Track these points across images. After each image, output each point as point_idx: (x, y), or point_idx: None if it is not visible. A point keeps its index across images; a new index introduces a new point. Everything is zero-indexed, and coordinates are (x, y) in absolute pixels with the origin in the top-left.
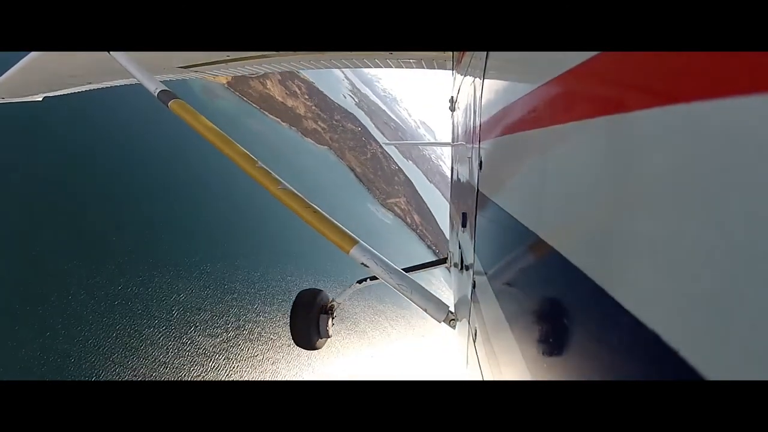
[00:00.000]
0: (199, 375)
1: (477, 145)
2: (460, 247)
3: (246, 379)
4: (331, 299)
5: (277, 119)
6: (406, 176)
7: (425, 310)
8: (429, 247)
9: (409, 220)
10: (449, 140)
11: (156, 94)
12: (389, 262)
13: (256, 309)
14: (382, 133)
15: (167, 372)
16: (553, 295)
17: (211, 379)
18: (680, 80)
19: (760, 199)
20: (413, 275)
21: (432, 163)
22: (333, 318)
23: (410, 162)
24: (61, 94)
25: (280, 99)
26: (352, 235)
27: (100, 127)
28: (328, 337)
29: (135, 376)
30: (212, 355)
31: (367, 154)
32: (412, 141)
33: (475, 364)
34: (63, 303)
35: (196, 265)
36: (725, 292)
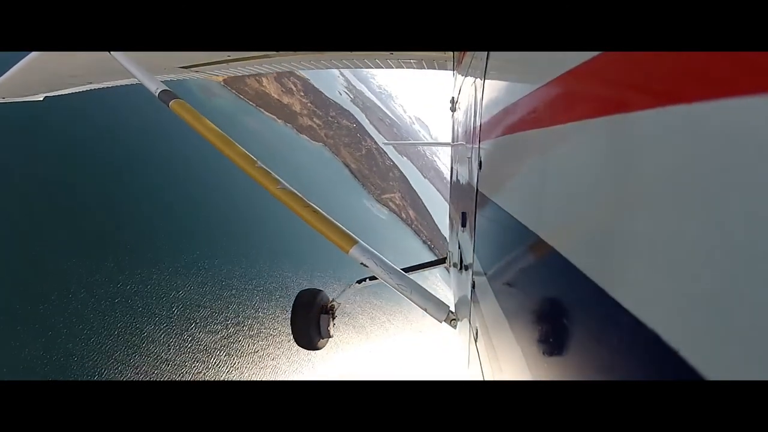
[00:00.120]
0: (201, 371)
1: (477, 146)
2: (459, 247)
3: (247, 376)
4: (331, 299)
5: (273, 116)
6: (401, 172)
7: (425, 310)
8: (424, 242)
9: (404, 215)
10: (448, 139)
11: (157, 94)
12: (389, 262)
13: (254, 305)
14: (377, 130)
15: (169, 369)
16: (553, 295)
17: (212, 376)
18: (680, 80)
19: (760, 199)
20: (413, 275)
21: (426, 159)
22: (333, 318)
23: (405, 158)
24: (62, 93)
25: (276, 96)
26: (352, 234)
27: (100, 127)
28: (330, 337)
29: (137, 373)
30: (213, 352)
31: (362, 151)
32: (411, 141)
33: (476, 364)
34: (64, 302)
35: (195, 263)
36: (725, 292)
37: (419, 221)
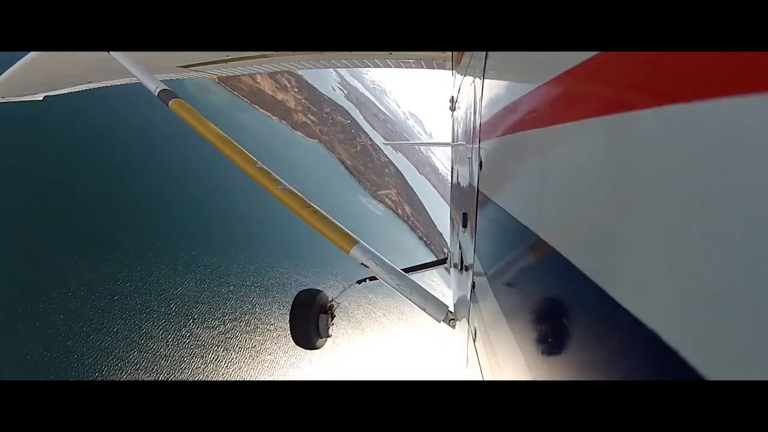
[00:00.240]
0: (199, 366)
1: (477, 145)
2: (460, 248)
3: (245, 370)
4: (330, 299)
5: (268, 113)
6: (396, 168)
7: (425, 310)
8: (420, 238)
9: (400, 211)
10: (444, 135)
11: (156, 94)
12: (389, 262)
13: (252, 301)
14: (372, 126)
15: (168, 364)
16: (553, 295)
17: (211, 371)
18: (680, 80)
19: (760, 199)
20: (413, 276)
21: (422, 155)
22: (333, 318)
23: (400, 154)
24: (62, 93)
25: (270, 93)
26: (352, 235)
27: (99, 126)
28: (328, 336)
29: (137, 369)
30: (211, 347)
31: (357, 147)
32: (410, 141)
33: (475, 364)
34: (64, 300)
35: (193, 260)
36: (725, 292)
37: (415, 217)
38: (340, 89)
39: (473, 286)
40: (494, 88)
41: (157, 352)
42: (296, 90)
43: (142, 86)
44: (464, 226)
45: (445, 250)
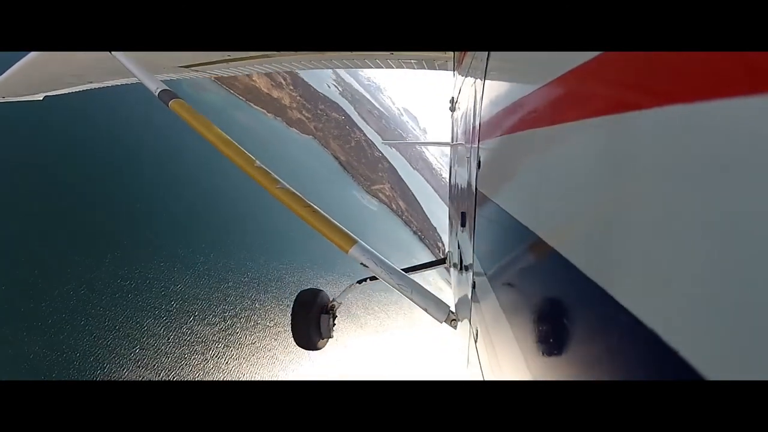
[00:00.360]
0: (200, 363)
1: (477, 145)
2: (459, 248)
3: (245, 366)
4: (331, 299)
5: (263, 110)
6: (390, 163)
7: (426, 310)
8: (415, 233)
9: (394, 206)
10: (442, 135)
11: (157, 94)
12: (389, 262)
13: (251, 297)
14: (366, 122)
15: (169, 361)
16: (553, 295)
17: (211, 367)
18: (680, 80)
19: (760, 199)
20: (413, 276)
21: (415, 150)
22: (334, 318)
23: (393, 150)
24: (62, 93)
25: (265, 90)
26: (352, 234)
27: (99, 125)
28: (330, 337)
29: (139, 366)
30: (211, 343)
31: (351, 143)
32: (410, 141)
33: (476, 365)
34: (65, 299)
35: (191, 256)
36: (725, 292)
37: (410, 212)
38: (335, 86)
39: (474, 286)
40: (495, 88)
41: (158, 349)
42: (291, 87)
43: (142, 86)
44: (463, 225)
45: (440, 245)
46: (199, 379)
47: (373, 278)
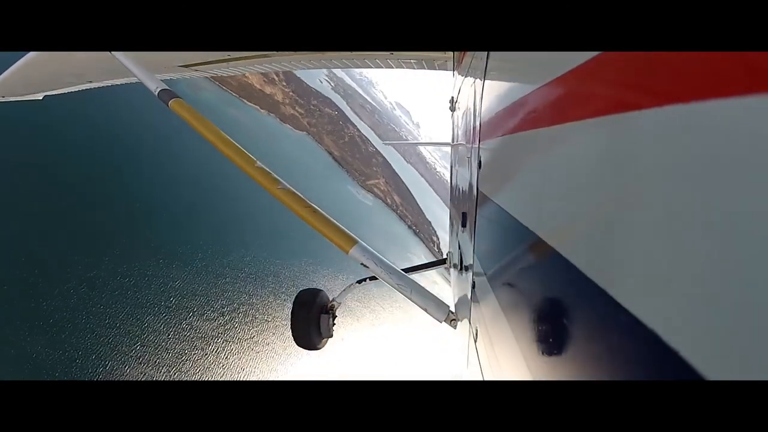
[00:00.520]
0: (200, 359)
1: (477, 146)
2: (459, 248)
3: (244, 361)
4: (331, 299)
5: (256, 106)
6: (384, 158)
7: (426, 311)
8: (410, 227)
9: (389, 200)
10: (437, 131)
11: (156, 93)
12: (389, 262)
13: (249, 292)
14: (359, 117)
15: (170, 357)
16: (553, 295)
17: (211, 362)
18: (680, 80)
19: (760, 199)
20: (413, 276)
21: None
22: (334, 318)
23: (387, 144)
24: (61, 92)
25: (258, 87)
26: (352, 234)
27: (99, 124)
28: (330, 337)
29: (140, 363)
30: (210, 339)
31: (345, 138)
32: (410, 141)
33: (476, 365)
34: (65, 298)
35: (190, 254)
36: (725, 292)
37: (404, 206)
38: (327, 81)
39: (473, 286)
40: (495, 88)
41: (158, 345)
42: (284, 83)
43: (141, 86)
44: (463, 225)
45: (434, 239)
46: (199, 377)
47: (373, 278)
